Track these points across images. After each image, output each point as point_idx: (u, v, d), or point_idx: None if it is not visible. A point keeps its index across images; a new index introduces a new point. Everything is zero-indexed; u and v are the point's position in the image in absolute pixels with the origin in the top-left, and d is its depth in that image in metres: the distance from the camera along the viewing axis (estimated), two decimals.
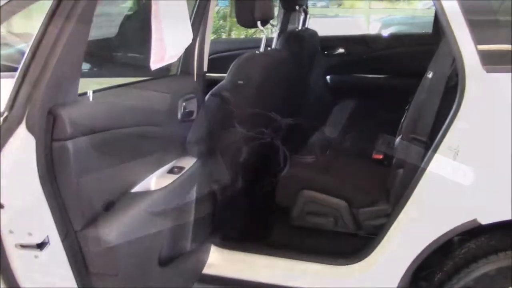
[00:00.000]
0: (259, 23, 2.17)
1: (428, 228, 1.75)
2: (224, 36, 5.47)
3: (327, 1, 8.52)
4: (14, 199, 1.41)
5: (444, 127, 1.66)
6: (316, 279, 1.96)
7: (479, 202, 1.67)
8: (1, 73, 1.47)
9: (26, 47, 1.40)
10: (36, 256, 1.43)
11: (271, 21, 2.30)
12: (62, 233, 1.44)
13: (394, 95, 3.17)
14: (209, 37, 2.02)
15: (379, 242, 1.86)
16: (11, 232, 1.42)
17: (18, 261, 1.45)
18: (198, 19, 1.92)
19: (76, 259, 1.48)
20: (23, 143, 1.36)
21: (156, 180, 1.69)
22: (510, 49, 1.61)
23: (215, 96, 2.21)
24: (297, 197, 2.21)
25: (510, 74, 1.58)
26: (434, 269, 1.87)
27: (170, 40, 1.54)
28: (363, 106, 3.37)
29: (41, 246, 1.40)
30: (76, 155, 1.38)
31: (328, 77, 3.43)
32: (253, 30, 5.18)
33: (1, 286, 1.46)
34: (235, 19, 5.64)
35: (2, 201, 1.38)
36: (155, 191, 1.64)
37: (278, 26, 2.80)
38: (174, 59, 1.70)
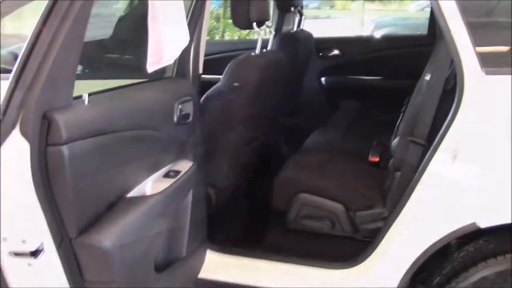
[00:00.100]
0: (254, 24, 2.16)
1: (426, 232, 1.74)
2: (217, 37, 5.45)
3: (319, 2, 8.54)
4: (7, 205, 1.38)
5: (442, 129, 1.66)
6: (313, 283, 1.95)
7: (478, 205, 1.66)
8: None
9: (20, 48, 1.36)
10: (29, 264, 1.40)
11: (266, 23, 2.29)
12: (57, 241, 1.41)
13: (389, 97, 3.17)
14: (205, 38, 1.99)
15: (376, 246, 1.85)
16: (4, 239, 1.39)
17: (11, 269, 1.42)
18: (194, 20, 1.89)
19: (71, 266, 1.44)
20: (17, 148, 1.33)
21: (152, 185, 1.66)
22: (509, 51, 1.60)
23: (211, 98, 2.19)
24: (293, 200, 2.20)
25: (509, 76, 1.58)
26: (432, 272, 1.86)
27: (167, 41, 1.51)
28: (358, 107, 3.37)
29: (35, 253, 1.37)
30: (72, 161, 1.35)
31: (323, 79, 3.42)
32: (246, 31, 5.17)
33: None
34: (228, 20, 5.68)
35: None
36: (151, 196, 1.61)
37: (273, 28, 2.78)
38: (171, 61, 1.67)
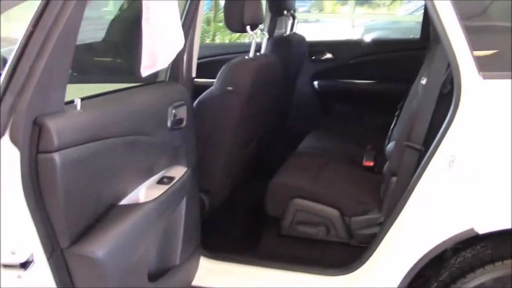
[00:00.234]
0: (248, 27, 2.13)
1: (423, 238, 1.73)
2: (208, 41, 5.42)
3: (308, 6, 8.56)
4: None
5: (439, 134, 1.65)
6: None
7: (476, 211, 1.65)
8: None
9: (9, 52, 1.32)
10: (19, 276, 1.35)
11: (260, 26, 2.26)
12: (48, 251, 1.36)
13: (382, 101, 3.17)
14: (198, 41, 1.96)
15: (372, 252, 1.84)
16: None
17: None
18: (188, 21, 1.86)
19: (62, 278, 1.40)
20: (6, 156, 1.28)
21: (145, 192, 1.62)
22: (506, 55, 1.60)
23: (204, 103, 2.16)
24: (288, 205, 2.17)
25: (506, 80, 1.57)
26: (428, 278, 1.84)
27: (161, 44, 1.47)
28: (351, 111, 3.36)
29: (25, 265, 1.32)
30: (63, 168, 1.30)
31: (315, 83, 3.41)
32: (237, 34, 5.16)
33: None
34: (219, 24, 5.65)
35: None
36: (144, 203, 1.57)
37: (265, 31, 2.76)
38: (166, 65, 1.63)
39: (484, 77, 1.58)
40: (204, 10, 2.06)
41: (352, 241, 2.12)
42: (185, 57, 1.88)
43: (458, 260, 1.76)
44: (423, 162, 1.69)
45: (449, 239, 1.67)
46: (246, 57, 2.24)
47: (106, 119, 1.47)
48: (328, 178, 2.25)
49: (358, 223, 2.09)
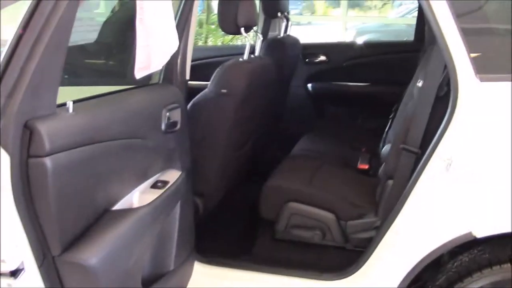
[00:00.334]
0: (242, 29, 2.11)
1: (420, 242, 1.71)
2: (200, 43, 5.40)
3: (300, 8, 8.58)
4: None
5: (436, 137, 1.64)
6: None
7: (474, 214, 1.63)
8: None
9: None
10: (9, 285, 1.30)
11: (254, 28, 2.24)
12: (39, 259, 1.32)
13: (376, 103, 3.17)
14: (192, 43, 1.94)
15: (369, 256, 1.82)
16: None
17: None
18: (183, 22, 1.83)
19: (53, 286, 1.36)
20: None
21: (139, 196, 1.58)
22: (504, 58, 1.58)
23: (198, 105, 2.13)
24: (282, 209, 2.15)
25: (504, 83, 1.56)
26: (425, 282, 1.83)
27: (156, 45, 1.44)
28: (345, 114, 3.35)
29: (15, 273, 1.27)
30: (55, 173, 1.26)
31: (309, 85, 3.39)
32: (230, 36, 5.15)
33: None
34: (211, 26, 5.63)
35: None
36: (138, 208, 1.53)
37: (259, 33, 2.74)
38: (160, 67, 1.60)
39: (481, 80, 1.57)
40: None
41: (348, 245, 2.10)
42: (179, 59, 1.85)
43: (455, 264, 1.75)
44: (419, 165, 1.68)
45: (447, 243, 1.66)
46: (240, 59, 2.21)
47: (99, 122, 1.43)
48: (323, 181, 2.23)
49: (354, 227, 2.07)
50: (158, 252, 1.72)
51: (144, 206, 1.54)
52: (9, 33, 1.26)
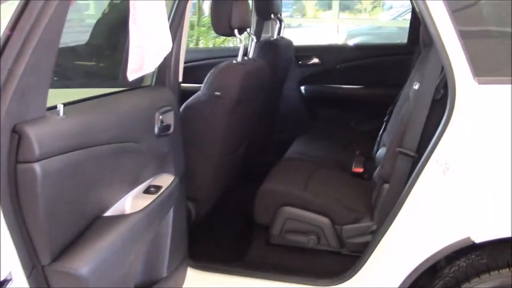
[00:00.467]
0: (236, 31, 2.08)
1: (418, 247, 1.69)
2: (191, 45, 5.36)
3: (291, 11, 8.58)
4: None
5: (433, 140, 1.62)
6: None
7: (472, 219, 1.62)
8: None
9: None
10: None
11: (247, 30, 2.22)
12: (27, 269, 1.27)
13: (370, 106, 3.16)
14: (185, 45, 1.90)
15: (365, 261, 1.80)
16: None
17: None
18: (175, 25, 1.79)
19: None
20: None
21: (131, 202, 1.54)
22: (503, 60, 1.57)
23: (190, 108, 2.10)
24: (277, 214, 2.12)
25: (502, 86, 1.55)
26: (422, 287, 1.80)
27: (148, 47, 1.40)
28: (338, 117, 3.33)
29: (2, 284, 1.22)
30: (45, 179, 1.22)
31: (302, 88, 3.38)
32: (222, 39, 5.12)
33: None
34: (202, 28, 5.60)
35: None
36: (130, 214, 1.49)
37: (253, 34, 2.71)
38: (153, 68, 1.57)
39: (480, 82, 1.56)
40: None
41: (344, 250, 2.07)
42: (172, 61, 1.81)
43: (452, 269, 1.73)
44: (416, 169, 1.67)
45: (445, 248, 1.64)
46: (234, 61, 2.18)
47: (90, 125, 1.39)
48: (318, 185, 2.20)
49: (349, 232, 2.04)
50: (150, 259, 1.68)
51: (136, 212, 1.49)
52: None
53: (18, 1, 1.23)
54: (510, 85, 1.53)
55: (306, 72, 3.36)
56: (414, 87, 1.93)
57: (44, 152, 1.21)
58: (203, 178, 2.15)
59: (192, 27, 5.57)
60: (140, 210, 1.50)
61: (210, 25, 2.39)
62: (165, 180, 1.69)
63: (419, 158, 1.68)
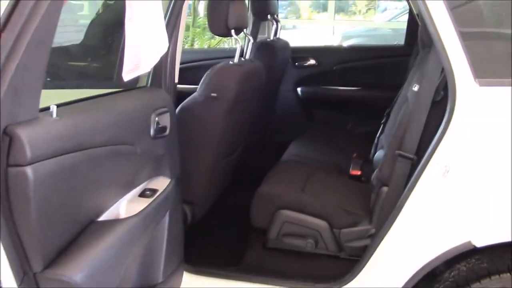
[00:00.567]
0: (233, 31, 2.05)
1: (418, 251, 1.67)
2: (186, 46, 5.33)
3: (285, 13, 8.58)
4: None
5: (433, 143, 1.61)
6: None
7: (473, 223, 1.60)
8: None
9: None
10: None
11: (245, 30, 2.19)
12: (19, 276, 1.23)
13: (366, 108, 3.14)
14: (181, 45, 1.87)
15: (364, 265, 1.78)
16: None
17: None
18: (171, 25, 1.76)
19: None
20: None
21: (126, 206, 1.50)
22: (504, 62, 1.55)
23: (186, 110, 2.07)
24: (274, 217, 2.08)
25: (504, 87, 1.53)
26: None
27: (145, 46, 1.37)
28: (335, 118, 3.32)
29: None
30: (37, 183, 1.18)
31: (298, 89, 3.35)
32: (217, 40, 5.09)
33: None
34: (197, 29, 5.58)
35: None
36: (126, 219, 1.45)
37: (249, 35, 2.68)
38: (149, 69, 1.53)
39: (481, 84, 1.54)
40: None
41: (342, 254, 2.05)
42: (168, 61, 1.78)
43: (452, 273, 1.71)
44: (416, 172, 1.65)
45: (446, 253, 1.62)
46: (231, 62, 2.15)
47: (84, 127, 1.35)
48: (315, 187, 2.18)
49: (347, 235, 2.02)
50: (146, 264, 1.64)
51: (132, 217, 1.46)
52: None
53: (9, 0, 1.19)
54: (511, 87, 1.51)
55: (303, 73, 3.34)
56: (413, 88, 1.91)
57: (36, 155, 1.17)
58: (199, 180, 2.12)
59: (187, 28, 5.54)
60: (136, 214, 1.47)
61: (205, 26, 2.37)
62: (161, 183, 1.66)
63: (419, 160, 1.66)
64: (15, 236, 1.21)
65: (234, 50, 2.19)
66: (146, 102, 1.65)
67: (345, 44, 6.33)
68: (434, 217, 1.64)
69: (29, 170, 1.16)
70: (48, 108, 1.27)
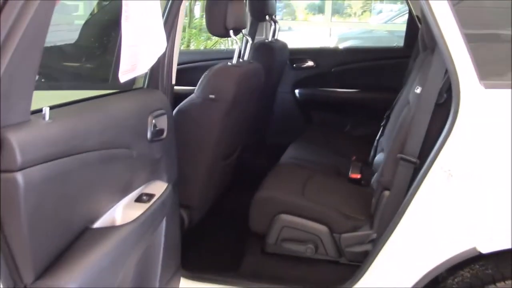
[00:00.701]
0: (231, 32, 2.01)
1: (421, 257, 1.64)
2: (182, 47, 5.30)
3: (281, 14, 8.58)
4: None
5: (436, 146, 1.58)
6: None
7: (478, 229, 1.56)
8: None
9: None
10: None
11: (243, 31, 2.15)
12: None
13: (365, 110, 3.12)
14: (178, 46, 1.83)
15: (365, 271, 1.74)
16: None
17: None
18: (169, 25, 1.71)
19: None
20: None
21: (122, 212, 1.45)
22: (510, 64, 1.52)
23: (184, 112, 2.02)
24: (273, 221, 2.04)
25: (509, 90, 1.50)
26: None
27: (142, 47, 1.32)
28: (333, 121, 3.29)
29: None
30: (28, 190, 1.12)
31: (296, 91, 3.32)
32: (213, 41, 5.06)
33: None
34: (193, 30, 5.54)
35: None
36: (121, 226, 1.40)
37: (247, 36, 2.64)
38: (146, 70, 1.49)
39: (486, 87, 1.51)
40: None
41: (342, 259, 2.01)
42: (165, 62, 1.73)
43: (456, 280, 1.68)
44: (419, 176, 1.62)
45: (450, 259, 1.59)
46: (229, 63, 2.11)
47: (78, 131, 1.29)
48: (315, 191, 2.14)
49: (348, 240, 1.98)
50: (142, 272, 1.59)
51: (128, 223, 1.40)
52: None
53: None
54: None
55: (301, 75, 3.32)
56: (415, 91, 1.87)
57: (27, 160, 1.11)
58: (196, 184, 2.08)
59: (183, 29, 5.52)
60: (132, 221, 1.41)
61: (201, 27, 2.34)
62: (158, 188, 1.61)
63: (422, 164, 1.63)
64: (5, 246, 1.15)
65: (231, 51, 2.15)
66: (142, 104, 1.60)
67: (341, 45, 6.31)
68: (438, 222, 1.61)
69: (19, 176, 1.10)
70: (40, 111, 1.21)
